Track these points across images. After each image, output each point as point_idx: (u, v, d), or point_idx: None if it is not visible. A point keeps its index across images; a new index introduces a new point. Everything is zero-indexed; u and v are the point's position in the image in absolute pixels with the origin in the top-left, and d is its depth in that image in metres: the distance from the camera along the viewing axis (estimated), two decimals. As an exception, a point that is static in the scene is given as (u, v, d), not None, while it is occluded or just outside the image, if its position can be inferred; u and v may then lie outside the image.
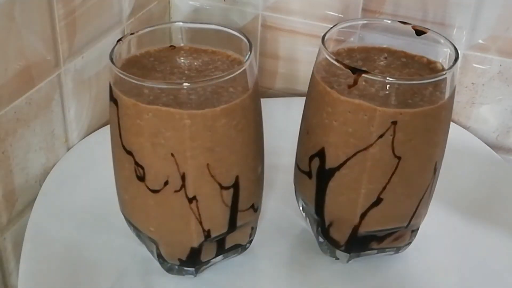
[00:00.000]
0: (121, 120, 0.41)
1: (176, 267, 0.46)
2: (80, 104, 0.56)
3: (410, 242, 0.48)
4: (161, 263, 0.46)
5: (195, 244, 0.44)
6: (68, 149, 0.56)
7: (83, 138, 0.57)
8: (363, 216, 0.44)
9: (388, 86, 0.40)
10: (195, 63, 0.44)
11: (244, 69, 0.41)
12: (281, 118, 0.58)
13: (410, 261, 0.48)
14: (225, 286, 0.46)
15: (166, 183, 0.41)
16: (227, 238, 0.45)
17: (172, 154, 0.40)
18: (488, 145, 0.60)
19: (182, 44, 0.45)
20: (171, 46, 0.45)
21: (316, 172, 0.45)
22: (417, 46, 0.44)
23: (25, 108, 0.49)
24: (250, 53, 0.41)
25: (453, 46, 0.44)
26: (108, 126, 0.43)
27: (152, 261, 0.47)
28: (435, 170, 0.45)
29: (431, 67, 0.45)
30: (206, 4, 0.66)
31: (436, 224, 0.51)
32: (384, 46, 0.46)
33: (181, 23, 0.46)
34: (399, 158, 0.42)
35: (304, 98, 0.46)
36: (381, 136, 0.41)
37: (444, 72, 0.42)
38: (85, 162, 0.55)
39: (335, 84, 0.42)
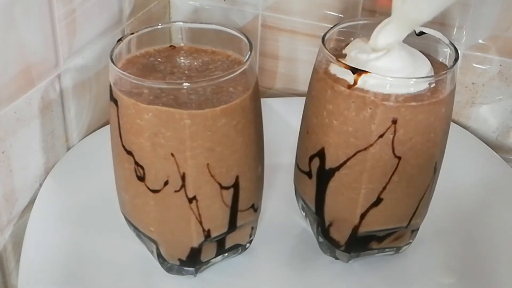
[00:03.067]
0: (121, 120, 0.41)
1: (176, 267, 0.46)
2: (80, 104, 0.56)
3: (410, 242, 0.48)
4: (161, 263, 0.46)
5: (195, 244, 0.44)
6: (68, 149, 0.56)
7: (83, 138, 0.57)
8: (363, 216, 0.44)
9: (388, 85, 0.40)
10: (195, 63, 0.44)
11: (244, 69, 0.41)
12: (281, 118, 0.58)
13: (410, 261, 0.48)
14: (225, 286, 0.46)
15: (166, 183, 0.41)
16: (227, 238, 0.45)
17: (172, 154, 0.40)
18: (488, 145, 0.60)
19: (182, 44, 0.45)
20: (171, 46, 0.45)
21: (316, 172, 0.45)
22: (417, 46, 0.44)
23: (25, 108, 0.49)
24: (250, 53, 0.41)
25: (453, 46, 0.44)
26: (108, 126, 0.43)
27: (152, 261, 0.47)
28: (435, 170, 0.45)
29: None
30: (206, 4, 0.66)
31: (436, 224, 0.51)
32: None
33: (181, 23, 0.46)
34: (399, 158, 0.42)
35: (304, 98, 0.46)
36: (381, 136, 0.41)
37: (444, 72, 0.42)
38: (85, 162, 0.55)
39: (335, 83, 0.42)
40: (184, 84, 0.39)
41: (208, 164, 0.40)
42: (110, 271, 0.47)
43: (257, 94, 0.43)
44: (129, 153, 0.41)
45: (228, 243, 0.46)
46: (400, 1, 0.41)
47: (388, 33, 0.41)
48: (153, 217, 0.43)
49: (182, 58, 0.44)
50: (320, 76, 0.43)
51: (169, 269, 0.46)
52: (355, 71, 0.41)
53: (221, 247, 0.46)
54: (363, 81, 0.41)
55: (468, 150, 0.58)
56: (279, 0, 0.63)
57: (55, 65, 0.52)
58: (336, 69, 0.42)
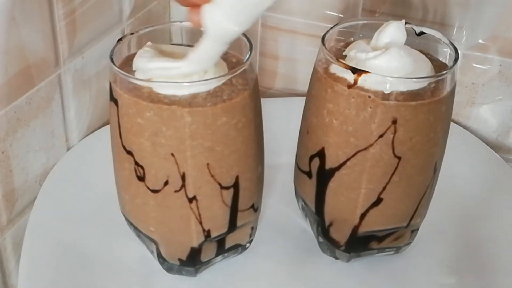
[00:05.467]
0: (121, 119, 0.41)
1: (176, 267, 0.46)
2: (80, 104, 0.56)
3: (410, 242, 0.48)
4: (161, 263, 0.46)
5: (195, 244, 0.44)
6: (68, 149, 0.56)
7: (83, 138, 0.57)
8: (363, 216, 0.44)
9: (388, 85, 0.40)
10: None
11: (244, 69, 0.41)
12: (281, 118, 0.58)
13: (410, 261, 0.48)
14: (225, 286, 0.46)
15: (166, 183, 0.41)
16: (227, 238, 0.45)
17: (172, 154, 0.40)
18: (488, 145, 0.60)
19: (182, 44, 0.45)
20: (171, 45, 0.45)
21: (316, 172, 0.45)
22: (417, 46, 0.44)
23: (25, 108, 0.49)
24: (250, 53, 0.41)
25: (453, 46, 0.44)
26: (108, 126, 0.43)
27: (152, 261, 0.47)
28: (435, 170, 0.45)
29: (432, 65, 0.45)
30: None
31: (436, 224, 0.51)
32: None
33: (181, 23, 0.46)
34: (399, 158, 0.42)
35: (304, 98, 0.46)
36: (381, 136, 0.41)
37: (444, 72, 0.42)
38: (85, 162, 0.55)
39: (335, 83, 0.42)
40: (184, 83, 0.39)
41: (208, 164, 0.40)
42: (110, 271, 0.47)
43: (257, 94, 0.43)
44: (129, 153, 0.41)
45: (228, 243, 0.46)
46: (209, 18, 0.39)
47: (205, 50, 0.39)
48: (153, 217, 0.43)
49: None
50: (320, 76, 0.43)
51: (169, 269, 0.46)
52: (355, 71, 0.41)
53: (221, 247, 0.46)
54: (363, 81, 0.41)
55: (468, 150, 0.58)
56: (279, 0, 0.63)
57: (55, 65, 0.52)
58: (336, 69, 0.42)
